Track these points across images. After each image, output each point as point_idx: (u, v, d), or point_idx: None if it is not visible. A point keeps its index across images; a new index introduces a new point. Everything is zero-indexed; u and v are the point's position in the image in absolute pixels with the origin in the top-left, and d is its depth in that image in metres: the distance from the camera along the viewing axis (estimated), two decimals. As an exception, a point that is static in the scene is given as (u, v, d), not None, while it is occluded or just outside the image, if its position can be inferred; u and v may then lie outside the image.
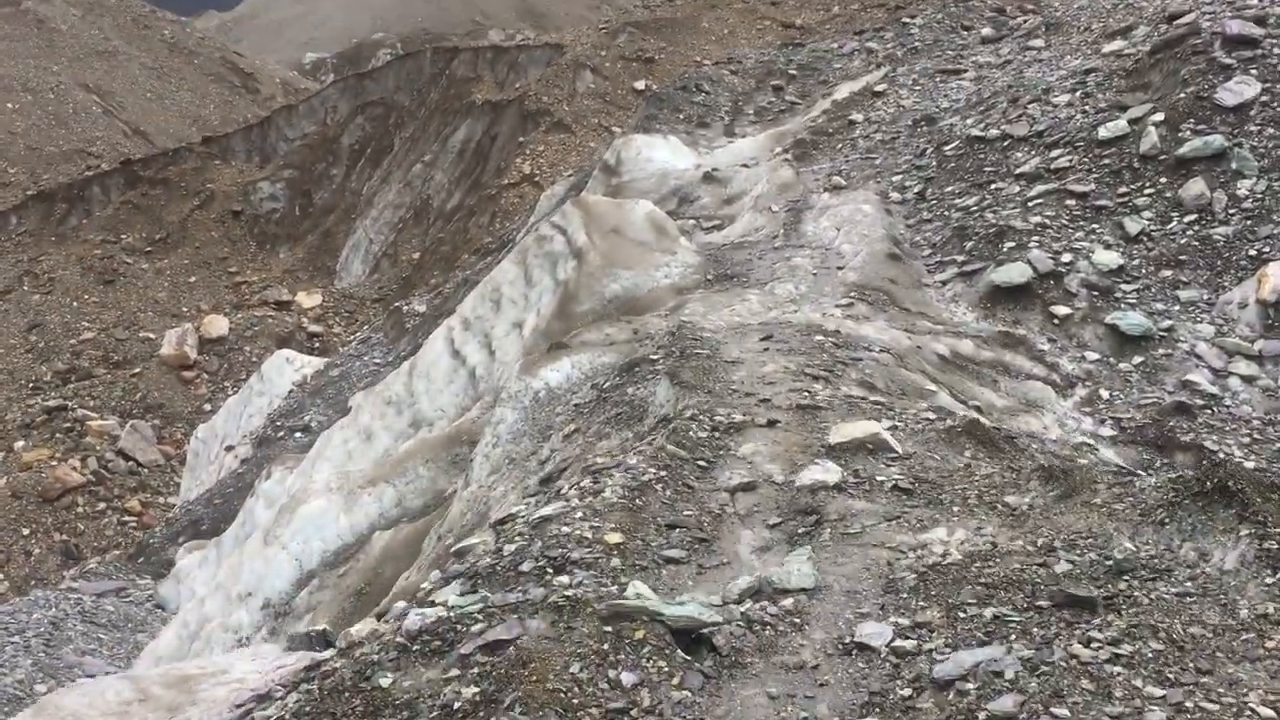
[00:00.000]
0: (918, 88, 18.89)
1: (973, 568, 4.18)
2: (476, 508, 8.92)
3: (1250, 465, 9.17)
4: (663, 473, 5.63)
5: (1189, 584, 3.86)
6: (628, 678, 4.09)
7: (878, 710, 3.90)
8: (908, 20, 25.51)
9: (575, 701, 3.95)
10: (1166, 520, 4.14)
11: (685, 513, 5.29)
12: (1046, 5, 25.77)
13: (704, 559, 4.85)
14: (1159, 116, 13.17)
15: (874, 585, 4.28)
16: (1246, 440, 9.56)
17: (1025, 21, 21.11)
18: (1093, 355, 10.98)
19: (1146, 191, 12.66)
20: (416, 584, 7.38)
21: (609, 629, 4.25)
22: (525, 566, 4.79)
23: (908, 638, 4.18)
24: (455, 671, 4.28)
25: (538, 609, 4.38)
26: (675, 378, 8.08)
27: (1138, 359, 10.84)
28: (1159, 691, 3.68)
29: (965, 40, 21.76)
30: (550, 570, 4.69)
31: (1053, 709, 3.65)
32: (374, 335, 28.76)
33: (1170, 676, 3.72)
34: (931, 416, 6.58)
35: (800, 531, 4.94)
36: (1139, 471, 4.97)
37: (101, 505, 33.35)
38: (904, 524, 4.80)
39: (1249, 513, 4.29)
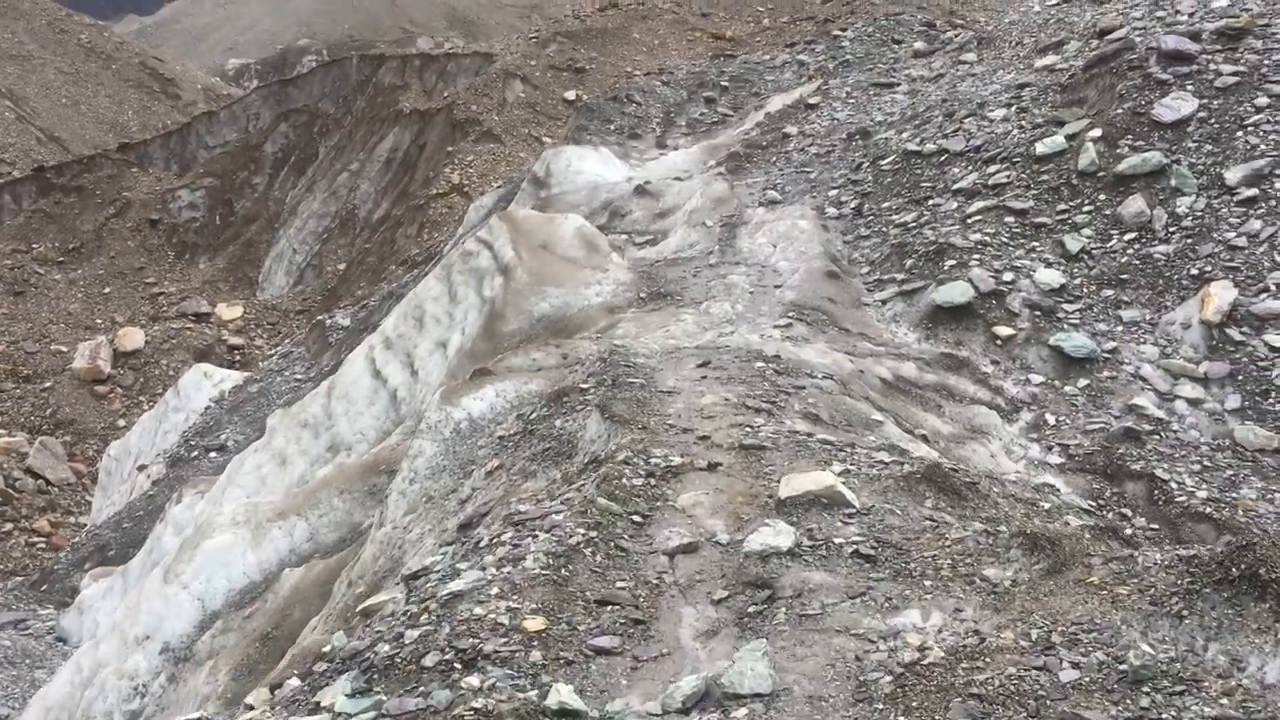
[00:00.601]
0: (851, 100, 18.47)
1: (958, 669, 3.54)
2: (390, 552, 8.15)
3: (1203, 494, 8.76)
4: (592, 532, 4.95)
5: (1224, 701, 3.23)
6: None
7: None
8: (838, 33, 25.19)
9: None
10: (1185, 613, 3.54)
11: (618, 584, 4.61)
12: (974, 21, 25.66)
13: (640, 647, 4.14)
14: (1096, 133, 12.84)
15: (842, 689, 3.62)
16: (1197, 468, 9.16)
17: (956, 36, 20.86)
18: (1037, 378, 10.54)
19: (1086, 209, 12.30)
20: (319, 644, 6.60)
21: (527, 751, 3.51)
22: (429, 660, 4.04)
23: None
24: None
25: (440, 724, 3.62)
26: (607, 411, 7.41)
27: (1083, 381, 10.42)
28: None
29: (897, 54, 21.44)
30: (459, 666, 3.95)
31: None
32: (295, 349, 27.66)
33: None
34: (885, 459, 6.00)
35: (751, 611, 4.28)
36: (1136, 546, 4.43)
37: (8, 526, 31.66)
38: (870, 603, 4.15)
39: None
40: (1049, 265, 11.73)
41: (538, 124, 37.68)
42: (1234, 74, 12.60)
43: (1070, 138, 13.11)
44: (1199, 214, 11.62)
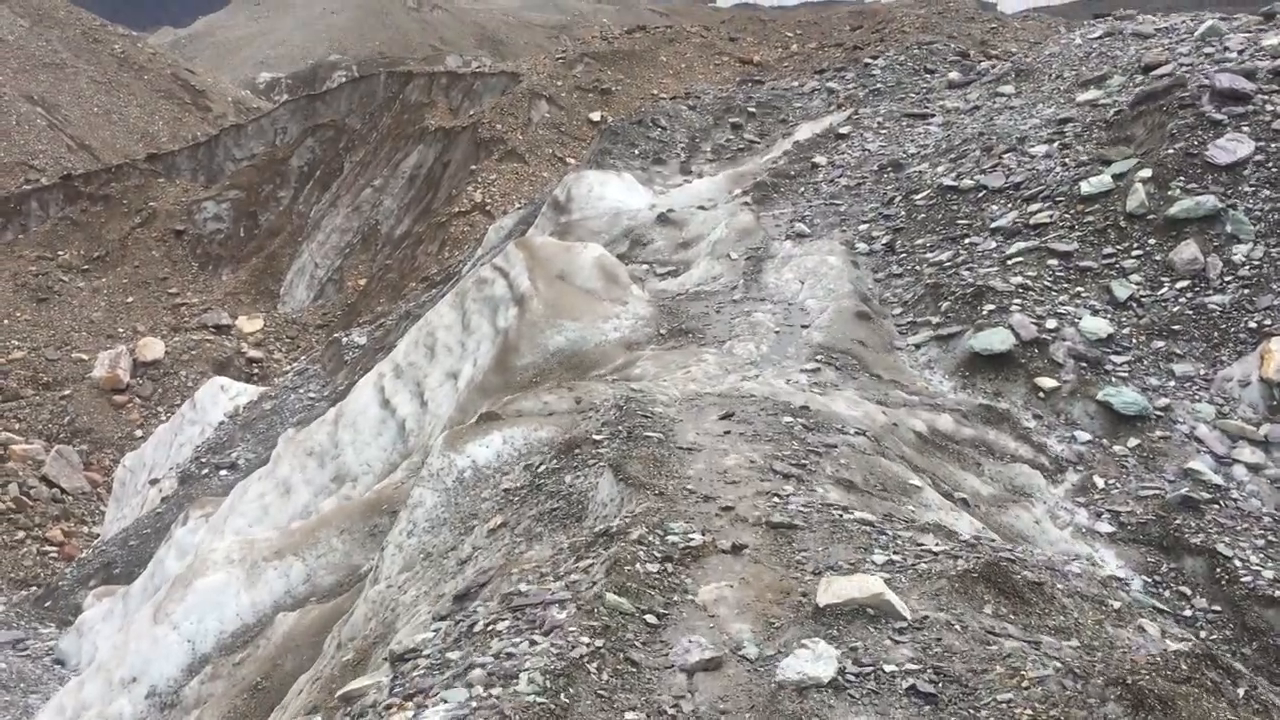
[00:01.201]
0: (883, 131, 17.70)
1: None
2: (382, 614, 7.40)
3: (1269, 575, 7.92)
4: (599, 640, 4.21)
5: None
6: None
7: None
8: (869, 61, 24.45)
9: None
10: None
11: (628, 714, 3.86)
12: (1007, 52, 24.87)
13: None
14: (1146, 173, 12.03)
15: None
16: (1260, 543, 8.31)
17: (993, 66, 20.07)
18: (1084, 435, 9.72)
19: (1134, 253, 11.48)
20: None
21: None
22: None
23: None
24: None
25: None
26: (621, 471, 6.65)
27: (1133, 441, 9.59)
28: None
29: (930, 84, 20.67)
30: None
31: None
32: (311, 367, 27.04)
33: None
34: (934, 546, 5.23)
35: (787, 772, 3.56)
36: (1247, 682, 3.67)
37: (21, 534, 31.13)
38: (938, 773, 3.45)
39: None
40: (1095, 313, 10.92)
41: (562, 144, 37.10)
42: (1293, 115, 11.78)
43: (1117, 177, 12.31)
44: (1256, 263, 10.79)
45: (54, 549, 30.54)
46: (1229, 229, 11.13)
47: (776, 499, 6.19)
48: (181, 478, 24.41)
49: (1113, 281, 11.23)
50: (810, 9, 60.87)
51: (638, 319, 12.26)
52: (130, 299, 40.77)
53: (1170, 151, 12.10)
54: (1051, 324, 10.76)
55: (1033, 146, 13.94)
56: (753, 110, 21.72)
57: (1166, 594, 7.94)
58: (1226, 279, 10.81)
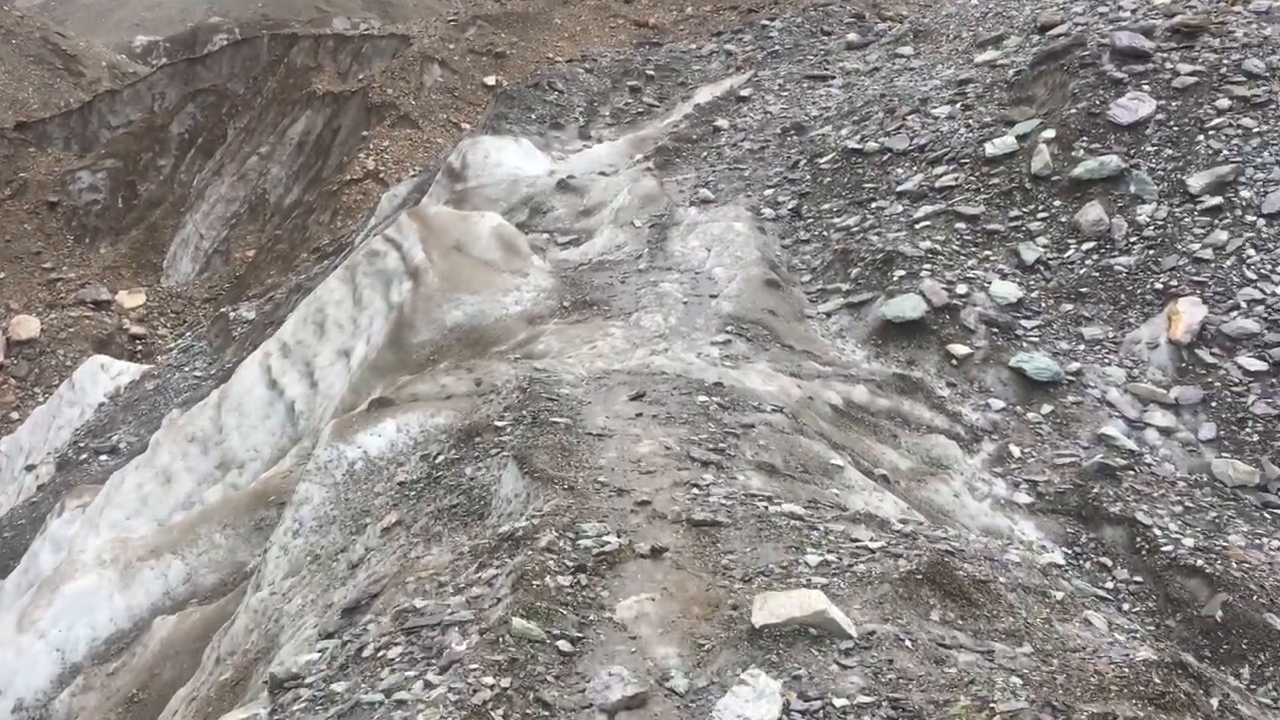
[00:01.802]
0: (784, 93, 17.25)
1: None
2: (265, 625, 6.69)
3: (1189, 543, 7.72)
4: (504, 678, 3.62)
5: None
6: None
7: None
8: (766, 23, 23.97)
9: None
10: None
11: (540, 773, 3.32)
12: (900, 15, 24.62)
13: None
14: (1050, 134, 11.79)
15: None
16: (1178, 509, 8.12)
17: (891, 28, 19.77)
18: (998, 403, 9.43)
19: (1040, 215, 11.24)
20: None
21: None
22: None
23: None
24: None
25: None
26: (526, 463, 6.05)
27: (1046, 407, 9.34)
28: None
29: (828, 45, 20.27)
30: None
31: None
32: (197, 343, 25.64)
33: None
34: (869, 542, 4.77)
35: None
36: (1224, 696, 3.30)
37: (-112, 527, 29.04)
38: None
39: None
40: (1004, 277, 10.65)
41: (456, 109, 35.89)
42: (1192, 74, 11.64)
43: (1021, 138, 12.05)
44: (1161, 223, 10.63)
45: (-75, 541, 28.61)
46: (1133, 189, 10.94)
47: (696, 490, 5.67)
48: (59, 463, 22.94)
49: (1020, 245, 10.97)
50: (703, -28, 60.14)
51: (539, 291, 11.61)
52: (1, 274, 38.36)
53: (1073, 111, 11.88)
54: (962, 289, 10.45)
55: (935, 108, 13.62)
56: (651, 73, 21.07)
57: (1088, 565, 7.69)
58: (1132, 240, 10.63)
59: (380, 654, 4.41)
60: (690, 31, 32.59)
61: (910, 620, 4.01)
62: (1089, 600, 4.97)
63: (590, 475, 5.94)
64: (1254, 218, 10.21)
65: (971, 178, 12.00)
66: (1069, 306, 10.33)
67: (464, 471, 6.67)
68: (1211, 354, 9.43)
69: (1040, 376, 9.50)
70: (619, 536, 4.98)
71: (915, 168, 12.67)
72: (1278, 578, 7.34)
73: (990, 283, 10.55)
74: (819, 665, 3.61)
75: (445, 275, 11.63)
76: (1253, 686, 6.48)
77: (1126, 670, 3.62)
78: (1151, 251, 10.47)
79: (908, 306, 10.21)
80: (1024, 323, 10.15)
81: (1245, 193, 10.40)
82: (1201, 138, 11.06)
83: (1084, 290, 10.43)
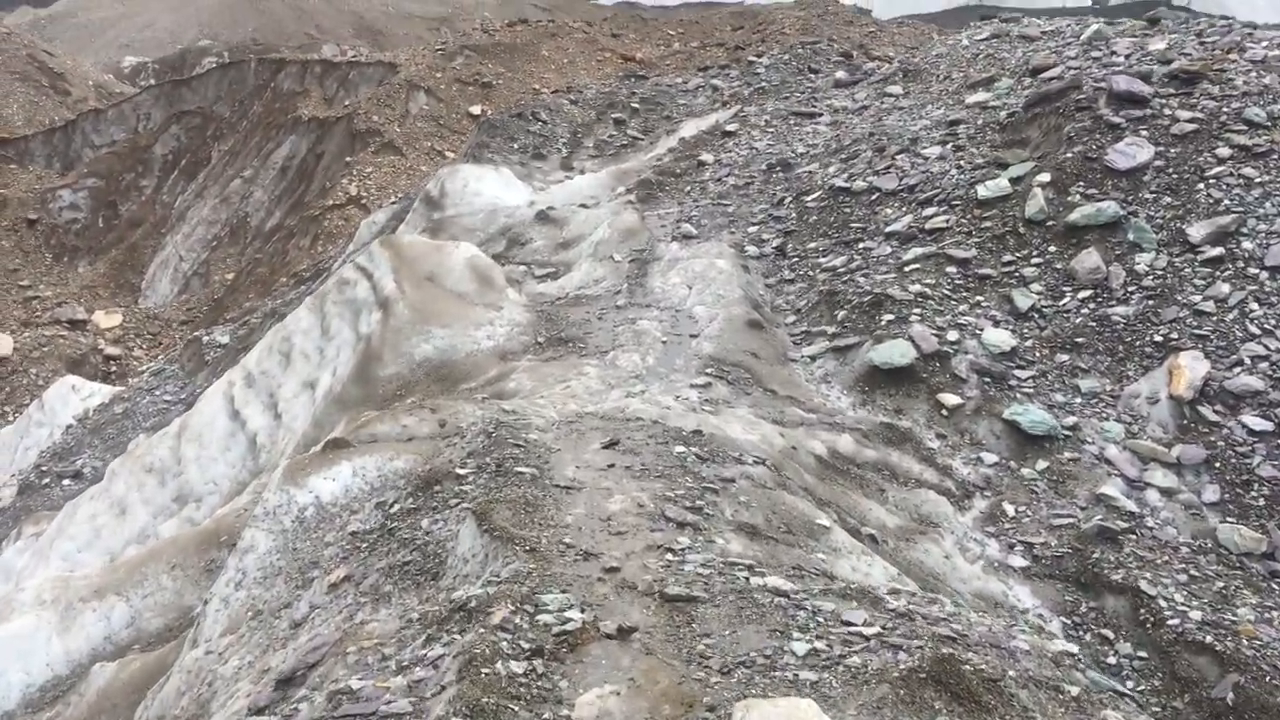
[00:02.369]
0: (771, 129, 16.81)
1: None
2: (198, 688, 6.04)
3: (1196, 616, 7.17)
4: (442, 799, 3.09)
5: None
6: None
7: None
8: (753, 60, 23.64)
9: None
10: None
11: None
12: (886, 56, 24.31)
13: None
14: (1045, 177, 11.35)
15: None
16: (1183, 578, 7.57)
17: (879, 67, 19.41)
18: (990, 457, 8.89)
19: (1035, 261, 10.77)
20: None
21: None
22: None
23: None
24: None
25: None
26: (485, 520, 5.45)
27: (1041, 464, 8.80)
28: None
29: (815, 83, 19.89)
30: None
31: None
32: (169, 367, 24.86)
33: None
34: (864, 628, 4.21)
35: None
36: None
37: None
38: None
39: None
40: (997, 324, 10.14)
41: (441, 138, 35.44)
42: (1192, 120, 11.24)
43: (1015, 181, 11.59)
44: (1160, 273, 10.16)
45: (-116, 562, 27.59)
46: (1131, 237, 10.49)
47: (670, 556, 5.08)
48: (21, 487, 22.09)
49: (1013, 290, 10.48)
50: (691, 9, 60.22)
51: (513, 325, 11.04)
52: (-24, 292, 37.54)
53: (1069, 155, 11.44)
54: (953, 336, 9.94)
55: (926, 148, 13.18)
56: (636, 106, 20.62)
57: (1088, 637, 7.13)
58: (1130, 289, 10.15)
59: (304, 751, 3.79)
60: (677, 66, 32.31)
61: (915, 732, 3.44)
62: (1106, 696, 4.41)
63: (555, 535, 5.35)
64: (1257, 270, 9.76)
65: (963, 220, 11.52)
66: (1064, 357, 9.83)
67: (420, 524, 6.07)
68: (1214, 411, 8.94)
69: (1035, 430, 8.97)
70: (583, 611, 4.39)
71: (904, 208, 12.20)
72: (1289, 655, 6.81)
73: (982, 330, 10.04)
74: (811, 796, 3.05)
75: (416, 307, 11.04)
76: (1270, 780, 5.92)
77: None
78: (1151, 302, 10.00)
79: (896, 353, 9.68)
80: (1018, 372, 9.64)
81: (1247, 244, 9.96)
82: (1202, 186, 10.63)
83: (1080, 340, 9.93)
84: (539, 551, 5.11)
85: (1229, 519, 8.20)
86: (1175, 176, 10.79)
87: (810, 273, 11.90)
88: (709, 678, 3.93)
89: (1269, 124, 10.93)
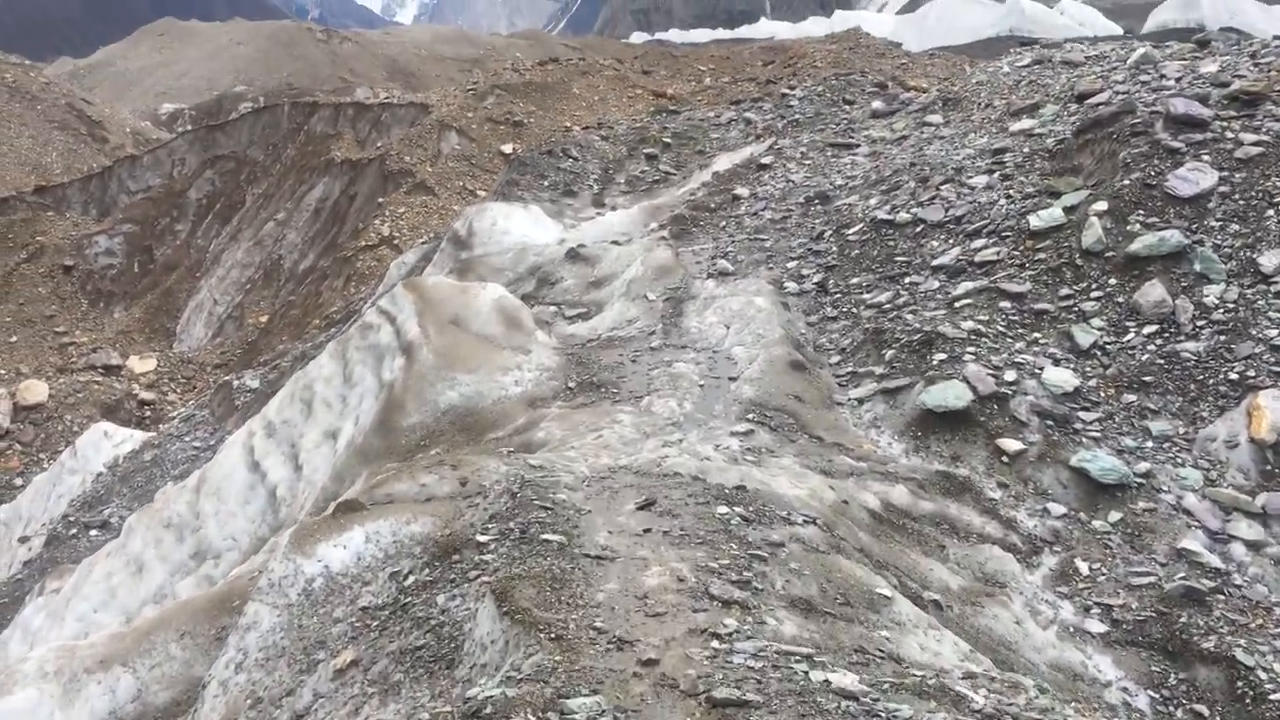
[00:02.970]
0: (807, 161, 16.22)
1: None
2: (192, 787, 5.45)
3: (1302, 689, 6.39)
4: None
5: None
6: None
7: None
8: (786, 92, 23.12)
9: None
10: None
11: None
12: (919, 88, 23.72)
13: None
14: (1101, 205, 10.65)
15: None
16: (1281, 644, 6.80)
17: (916, 96, 18.80)
18: (1058, 508, 8.16)
19: (1094, 294, 10.05)
20: None
21: None
22: None
23: None
24: None
25: None
26: (506, 600, 4.84)
27: (1114, 515, 8.06)
28: None
29: (850, 114, 19.32)
30: None
31: None
32: (199, 412, 24.55)
33: None
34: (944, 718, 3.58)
35: None
36: None
37: (-117, 595, 27.82)
38: None
39: None
40: (1057, 362, 9.43)
41: (472, 177, 35.21)
42: (1256, 144, 10.51)
43: (1069, 210, 10.91)
44: (1231, 306, 9.41)
45: (-81, 611, 27.36)
46: (1198, 268, 9.76)
47: (716, 644, 4.44)
48: (49, 538, 21.77)
49: (1073, 326, 9.77)
50: (721, 45, 60.09)
51: (542, 370, 10.46)
52: (14, 338, 37.64)
53: (1126, 183, 10.74)
54: (1010, 376, 9.23)
55: (971, 177, 12.53)
56: (668, 141, 20.14)
57: (1179, 714, 6.37)
58: (1199, 324, 9.41)
59: None
60: (708, 101, 31.87)
61: None
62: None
63: (584, 617, 4.72)
64: (1339, 301, 9.00)
65: (1015, 252, 10.84)
66: (1131, 397, 9.09)
67: (435, 600, 5.46)
68: (1301, 455, 8.16)
69: (1106, 479, 8.24)
70: (615, 717, 3.75)
71: (952, 240, 11.54)
72: None
73: (1042, 369, 9.33)
74: None
75: (440, 352, 10.50)
76: None
77: None
78: (1223, 337, 9.25)
79: (951, 395, 8.99)
80: (1082, 415, 8.91)
81: (1327, 273, 9.20)
82: (1272, 212, 9.90)
83: (1148, 379, 9.19)
84: (566, 639, 4.49)
85: (1327, 576, 7.41)
86: (1242, 203, 10.07)
87: (854, 310, 11.25)
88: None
89: (1343, 145, 10.19)
